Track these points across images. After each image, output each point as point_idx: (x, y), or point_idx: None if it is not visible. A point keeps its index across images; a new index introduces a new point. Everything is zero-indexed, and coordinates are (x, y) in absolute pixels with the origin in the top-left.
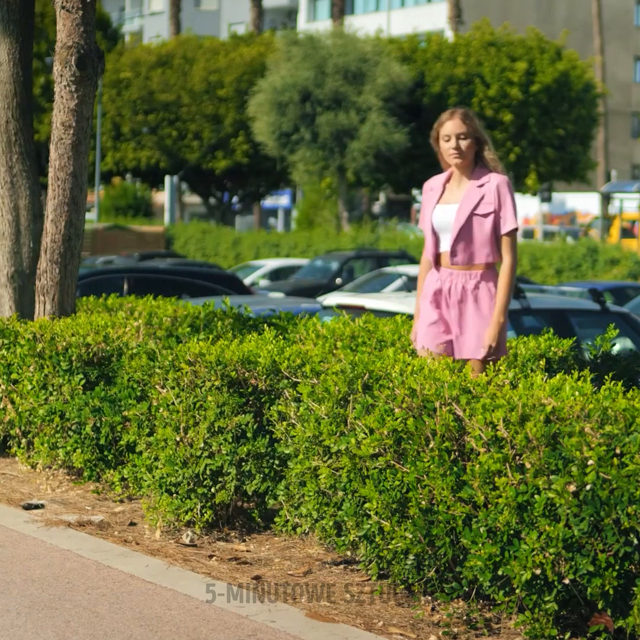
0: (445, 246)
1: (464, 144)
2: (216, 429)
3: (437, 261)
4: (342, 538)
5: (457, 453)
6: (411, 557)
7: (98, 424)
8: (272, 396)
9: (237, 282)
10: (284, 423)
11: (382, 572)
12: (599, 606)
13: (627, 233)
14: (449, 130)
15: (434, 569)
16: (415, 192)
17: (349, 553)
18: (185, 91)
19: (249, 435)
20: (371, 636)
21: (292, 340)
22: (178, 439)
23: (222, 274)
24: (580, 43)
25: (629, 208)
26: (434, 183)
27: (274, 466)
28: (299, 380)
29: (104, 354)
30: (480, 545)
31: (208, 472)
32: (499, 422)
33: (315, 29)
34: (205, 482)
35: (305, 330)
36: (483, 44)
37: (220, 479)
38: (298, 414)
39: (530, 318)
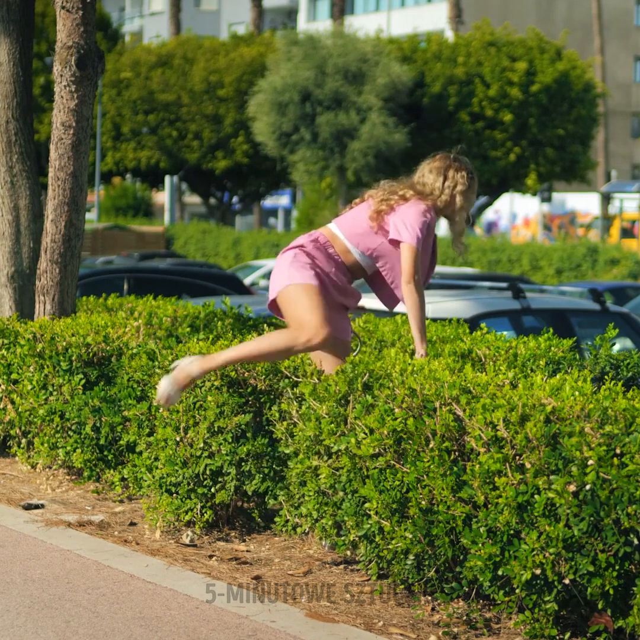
0: None
1: None
2: (216, 429)
3: None
4: (342, 538)
5: (457, 453)
6: (411, 557)
7: (98, 424)
8: (272, 396)
9: (237, 282)
10: (284, 423)
11: (382, 572)
12: (599, 606)
13: (627, 233)
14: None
15: (434, 569)
16: None
17: (348, 553)
18: (185, 91)
19: (248, 435)
20: (371, 636)
21: None
22: (178, 439)
23: (222, 274)
24: (580, 43)
25: (629, 208)
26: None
27: (274, 466)
28: (299, 379)
29: (104, 354)
30: (480, 545)
31: (208, 472)
32: (499, 422)
33: (315, 29)
34: (205, 482)
35: None
36: (483, 44)
37: (220, 479)
38: (300, 412)
39: (530, 318)
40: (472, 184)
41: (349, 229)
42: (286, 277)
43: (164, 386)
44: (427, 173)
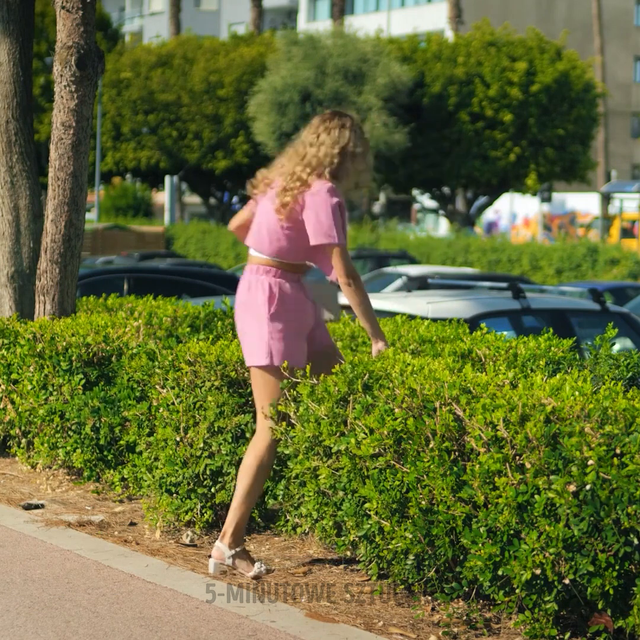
0: None
1: None
2: (216, 429)
3: None
4: (342, 538)
5: (457, 453)
6: (411, 557)
7: (97, 425)
8: None
9: (237, 282)
10: (283, 423)
11: (382, 572)
12: (599, 606)
13: (627, 233)
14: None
15: (434, 569)
16: (415, 192)
17: (348, 553)
18: (185, 91)
19: (248, 435)
20: (371, 636)
21: None
22: (178, 439)
23: (222, 274)
24: (580, 43)
25: (629, 208)
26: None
27: (274, 466)
28: (299, 380)
29: (104, 354)
30: (480, 545)
31: (208, 472)
32: (499, 422)
33: (315, 29)
34: (205, 482)
35: None
36: (483, 44)
37: (220, 479)
38: (298, 414)
39: (530, 318)
40: (366, 143)
41: (271, 246)
42: (266, 351)
43: (253, 573)
44: (326, 137)
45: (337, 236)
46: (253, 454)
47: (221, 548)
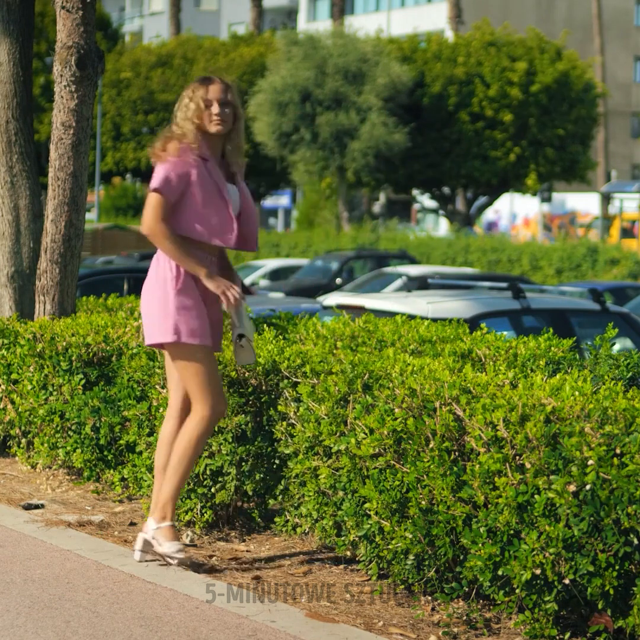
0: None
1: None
2: (216, 429)
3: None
4: (342, 538)
5: (457, 453)
6: (411, 557)
7: (97, 424)
8: (272, 396)
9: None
10: (284, 423)
11: (382, 572)
12: (599, 606)
13: (627, 233)
14: (215, 95)
15: (434, 569)
16: (415, 192)
17: (348, 553)
18: None
19: (249, 435)
20: (371, 636)
21: (292, 340)
22: None
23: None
24: (580, 43)
25: (629, 208)
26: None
27: (274, 466)
28: (299, 380)
29: (104, 354)
30: (480, 545)
31: (208, 472)
32: (499, 422)
33: (315, 29)
34: (205, 482)
35: (305, 330)
36: (483, 44)
37: (220, 479)
38: (298, 414)
39: (530, 318)
40: (211, 102)
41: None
42: (170, 325)
43: (164, 551)
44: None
45: (154, 182)
46: (186, 435)
47: (148, 522)
